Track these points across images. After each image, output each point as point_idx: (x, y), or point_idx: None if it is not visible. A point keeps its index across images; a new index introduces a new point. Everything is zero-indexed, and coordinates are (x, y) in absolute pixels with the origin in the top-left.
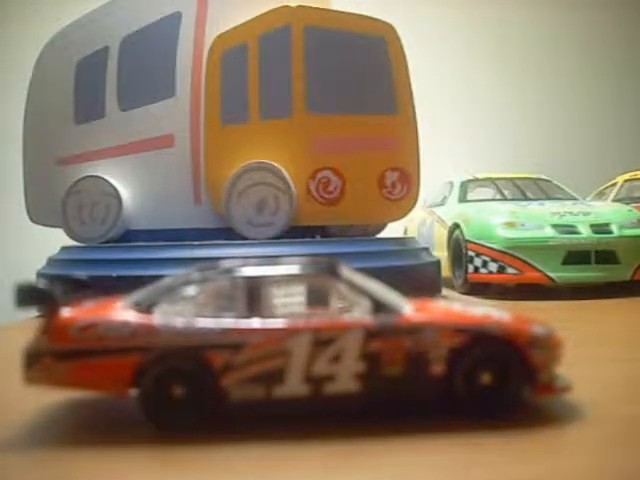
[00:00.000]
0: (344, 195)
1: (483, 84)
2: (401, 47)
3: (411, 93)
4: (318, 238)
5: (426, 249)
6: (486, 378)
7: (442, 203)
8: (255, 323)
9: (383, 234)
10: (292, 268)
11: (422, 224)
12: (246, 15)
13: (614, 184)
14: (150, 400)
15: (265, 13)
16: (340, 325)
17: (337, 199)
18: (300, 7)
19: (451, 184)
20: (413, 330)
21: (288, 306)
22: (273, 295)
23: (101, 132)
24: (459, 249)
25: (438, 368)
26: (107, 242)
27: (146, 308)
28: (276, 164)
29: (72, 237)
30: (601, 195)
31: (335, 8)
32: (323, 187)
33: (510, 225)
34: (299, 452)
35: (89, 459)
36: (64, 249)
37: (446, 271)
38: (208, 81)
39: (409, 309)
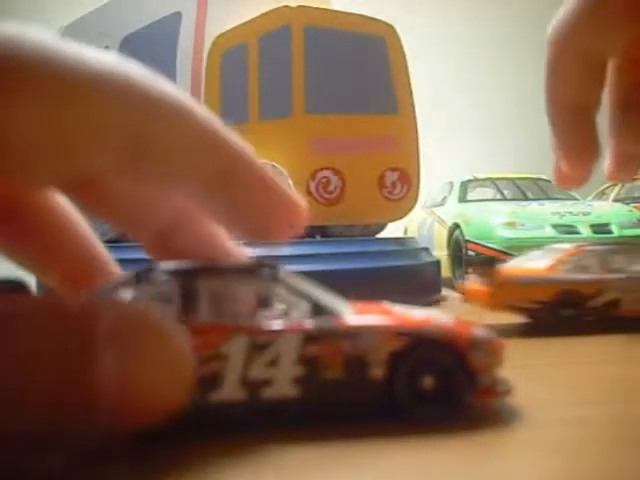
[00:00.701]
0: (344, 195)
1: (483, 84)
2: (401, 47)
3: (411, 93)
4: (318, 238)
5: (426, 249)
6: (428, 382)
7: (442, 203)
8: (188, 325)
9: (383, 234)
10: (230, 270)
11: (422, 224)
12: (246, 15)
13: (615, 184)
14: None
15: (265, 13)
16: (277, 328)
17: (337, 199)
18: (300, 7)
19: (451, 184)
20: (351, 333)
21: (225, 308)
22: (210, 297)
23: None
24: (459, 249)
25: (378, 372)
26: (107, 242)
27: None
28: (276, 164)
29: None
30: (601, 195)
31: (335, 8)
32: (323, 187)
33: (510, 225)
34: (275, 455)
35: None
36: None
37: (446, 271)
38: (208, 81)
39: (349, 312)
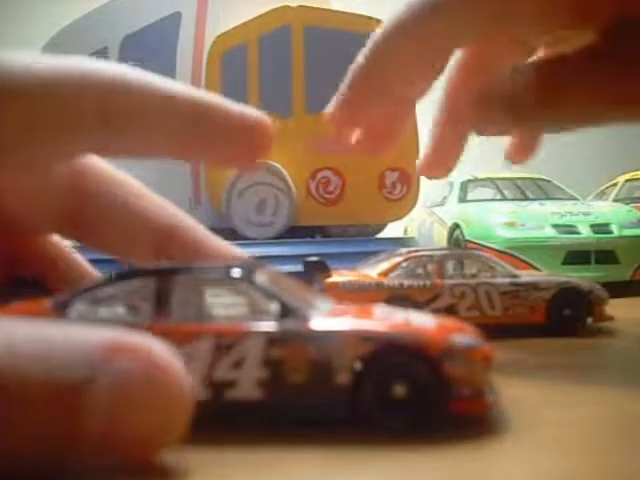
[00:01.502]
0: (344, 195)
1: None
2: None
3: None
4: (318, 238)
5: None
6: (399, 390)
7: (442, 203)
8: (159, 325)
9: (383, 234)
10: (204, 271)
11: (422, 224)
12: (246, 15)
13: (615, 184)
14: None
15: (265, 13)
16: (242, 330)
17: (337, 199)
18: (300, 7)
19: (451, 184)
20: (316, 337)
21: (195, 309)
22: (182, 297)
23: None
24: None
25: (344, 377)
26: None
27: (61, 308)
28: (276, 164)
29: None
30: (601, 195)
31: (335, 8)
32: (323, 187)
33: (510, 225)
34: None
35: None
36: None
37: None
38: (208, 81)
39: (320, 315)
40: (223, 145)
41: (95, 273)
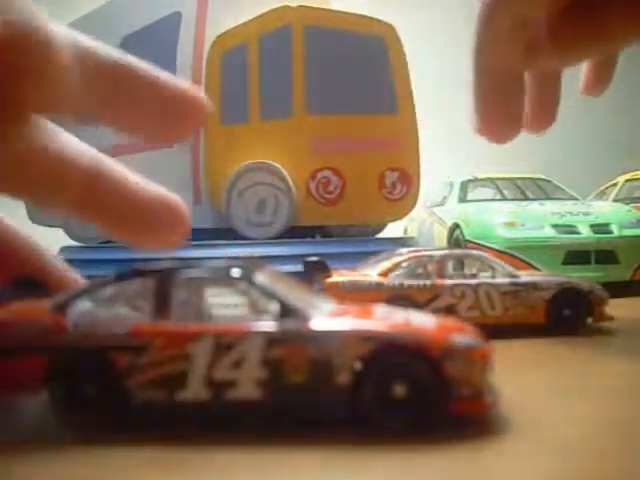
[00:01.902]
0: (344, 195)
1: None
2: (401, 47)
3: (411, 93)
4: (318, 238)
5: None
6: (399, 390)
7: (442, 203)
8: (159, 325)
9: (383, 234)
10: (204, 271)
11: (422, 224)
12: (246, 15)
13: (615, 184)
14: (57, 400)
15: (265, 13)
16: (241, 330)
17: (337, 199)
18: (300, 7)
19: (451, 184)
20: (316, 337)
21: (195, 309)
22: (183, 297)
23: (100, 131)
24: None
25: (344, 377)
26: (107, 242)
27: (60, 308)
28: (276, 164)
29: (72, 237)
30: (601, 195)
31: (335, 8)
32: (323, 187)
33: (510, 225)
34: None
35: (83, 461)
36: (64, 249)
37: None
38: (208, 81)
39: (321, 315)
40: (155, 113)
41: (75, 275)
